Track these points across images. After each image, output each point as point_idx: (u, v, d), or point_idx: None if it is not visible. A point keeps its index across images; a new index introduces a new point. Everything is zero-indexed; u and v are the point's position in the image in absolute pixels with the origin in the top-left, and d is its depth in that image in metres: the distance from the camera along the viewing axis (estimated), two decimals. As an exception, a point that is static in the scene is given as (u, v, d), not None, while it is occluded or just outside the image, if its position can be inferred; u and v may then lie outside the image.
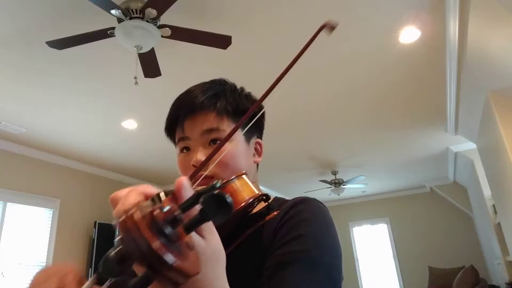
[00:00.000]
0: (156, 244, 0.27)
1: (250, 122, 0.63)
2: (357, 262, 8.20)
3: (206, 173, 0.60)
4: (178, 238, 0.30)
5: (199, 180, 0.59)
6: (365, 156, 5.68)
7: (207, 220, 0.31)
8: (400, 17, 2.63)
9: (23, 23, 2.48)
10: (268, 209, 0.67)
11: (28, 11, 2.37)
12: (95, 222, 5.11)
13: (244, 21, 2.60)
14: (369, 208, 8.48)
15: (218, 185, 0.33)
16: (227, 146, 0.65)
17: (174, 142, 0.76)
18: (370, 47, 2.95)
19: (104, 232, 5.12)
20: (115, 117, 3.94)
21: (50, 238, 4.63)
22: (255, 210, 0.69)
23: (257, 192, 0.61)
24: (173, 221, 0.30)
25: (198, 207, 0.32)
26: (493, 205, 4.80)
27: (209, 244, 0.38)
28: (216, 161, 0.61)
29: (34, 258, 4.44)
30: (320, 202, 0.65)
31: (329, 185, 6.52)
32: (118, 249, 0.29)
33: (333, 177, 6.46)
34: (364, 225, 8.46)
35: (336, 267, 0.58)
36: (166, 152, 4.88)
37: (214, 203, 0.30)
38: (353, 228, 8.52)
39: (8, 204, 4.28)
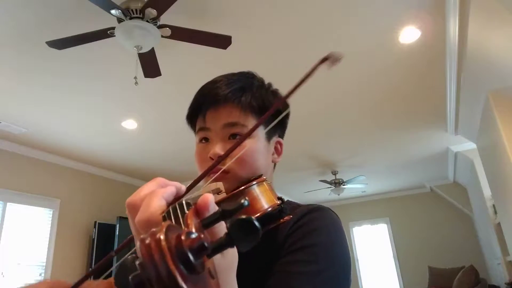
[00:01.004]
0: (181, 278, 0.25)
1: (273, 120, 0.61)
2: (357, 262, 8.20)
3: (223, 168, 0.58)
4: (203, 269, 0.29)
5: (216, 174, 0.57)
6: (365, 156, 5.68)
7: (232, 246, 0.29)
8: (400, 17, 2.63)
9: (23, 23, 2.48)
10: (280, 212, 0.65)
11: (28, 11, 2.37)
12: (95, 222, 5.11)
13: (244, 21, 2.60)
14: (369, 208, 8.48)
15: (245, 204, 0.31)
16: (247, 143, 0.63)
17: (194, 130, 0.73)
18: (370, 47, 2.95)
19: (104, 232, 5.12)
20: (115, 117, 3.94)
21: (50, 238, 4.63)
22: None
23: (276, 201, 0.59)
24: (200, 249, 0.28)
25: (220, 227, 0.30)
26: (493, 205, 4.80)
27: (225, 257, 0.37)
28: (236, 157, 0.58)
29: (34, 258, 4.44)
30: (334, 212, 0.64)
31: (329, 185, 6.51)
32: (137, 273, 0.27)
33: (333, 177, 6.45)
34: (364, 225, 8.46)
35: (343, 279, 0.57)
36: (166, 152, 4.88)
37: (242, 229, 0.28)
38: (353, 228, 8.52)
39: (8, 204, 4.28)
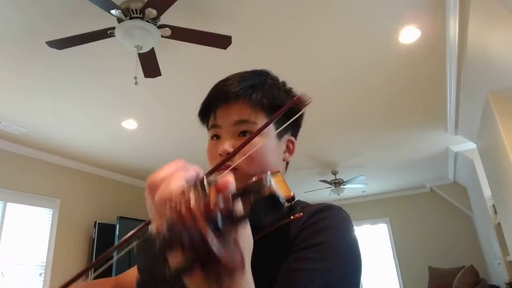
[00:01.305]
0: (210, 237, 0.27)
1: (285, 119, 0.60)
2: (357, 262, 8.19)
3: (233, 165, 0.57)
4: (229, 233, 0.30)
5: (225, 171, 0.57)
6: (365, 156, 5.68)
7: (257, 219, 0.31)
8: (400, 17, 2.63)
9: (23, 23, 2.48)
10: (290, 210, 0.65)
11: (28, 11, 2.37)
12: (95, 222, 5.11)
13: (244, 21, 2.60)
14: (369, 208, 8.48)
15: (268, 183, 0.32)
16: (256, 139, 0.62)
17: (207, 127, 0.74)
18: (370, 47, 2.95)
19: (104, 232, 5.12)
20: (115, 117, 3.94)
21: (50, 238, 4.63)
22: None
23: (290, 193, 0.58)
24: (228, 216, 0.29)
25: (240, 205, 0.31)
26: (493, 205, 4.80)
27: (245, 238, 0.37)
28: (246, 156, 0.58)
29: (34, 258, 4.44)
30: (345, 211, 0.64)
31: (329, 185, 6.51)
32: (165, 237, 0.28)
33: (333, 177, 6.45)
34: (364, 225, 8.45)
35: (353, 278, 0.56)
36: (167, 152, 4.88)
37: (267, 203, 0.30)
38: (353, 228, 8.51)
39: (8, 204, 4.28)
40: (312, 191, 7.00)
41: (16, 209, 4.36)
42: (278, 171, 0.60)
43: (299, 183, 6.91)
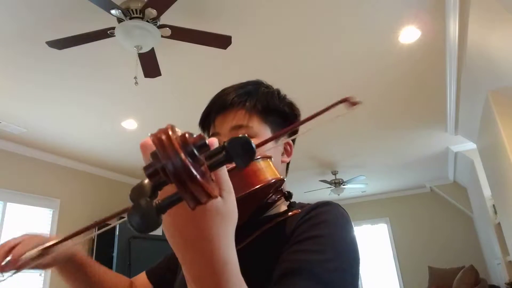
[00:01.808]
0: (185, 158, 0.29)
1: (281, 126, 0.65)
2: (357, 262, 8.19)
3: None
4: (203, 164, 0.32)
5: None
6: (365, 156, 5.68)
7: (231, 160, 0.33)
8: (400, 17, 2.63)
9: (23, 22, 2.48)
10: (289, 207, 0.68)
11: (28, 11, 2.37)
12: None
13: (244, 21, 2.60)
14: (369, 208, 8.48)
15: (243, 137, 0.34)
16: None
17: (208, 136, 0.78)
18: (370, 46, 2.95)
19: (104, 232, 5.12)
20: (115, 117, 3.94)
21: (50, 238, 4.62)
22: (275, 210, 0.70)
23: (279, 175, 0.60)
24: (202, 147, 0.32)
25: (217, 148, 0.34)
26: (493, 205, 4.80)
27: (225, 203, 0.39)
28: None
29: (34, 258, 4.44)
30: (343, 208, 0.65)
31: (329, 185, 6.51)
32: (149, 163, 0.32)
33: (333, 177, 6.45)
34: (364, 225, 8.45)
35: (350, 272, 0.56)
36: (166, 152, 4.88)
37: (239, 145, 0.32)
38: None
39: (8, 204, 4.28)
40: (312, 191, 7.00)
41: (16, 209, 4.36)
42: (269, 157, 0.62)
43: (299, 183, 6.91)
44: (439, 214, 7.67)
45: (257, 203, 0.64)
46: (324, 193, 7.19)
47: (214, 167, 0.34)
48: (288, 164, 0.81)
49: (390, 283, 7.80)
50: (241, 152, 0.32)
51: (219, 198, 0.38)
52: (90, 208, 5.26)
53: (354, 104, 0.47)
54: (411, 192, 8.09)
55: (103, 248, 4.96)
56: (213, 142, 0.39)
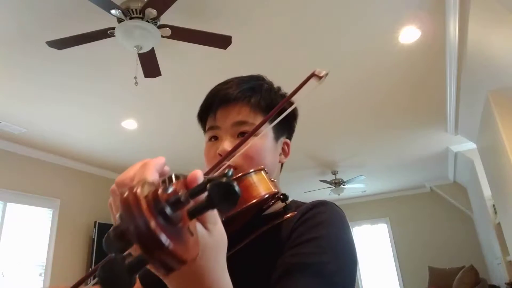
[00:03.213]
0: (153, 223, 0.26)
1: (280, 119, 0.64)
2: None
3: (229, 163, 0.60)
4: (179, 221, 0.29)
5: (221, 170, 0.58)
6: (365, 156, 5.68)
7: (212, 207, 0.30)
8: (400, 17, 2.63)
9: (24, 22, 2.48)
10: (285, 209, 0.67)
11: (29, 10, 2.37)
12: (95, 222, 5.11)
13: (244, 20, 2.60)
14: (369, 208, 8.48)
15: (229, 173, 0.32)
16: (255, 140, 0.65)
17: (204, 129, 0.76)
18: (370, 47, 2.95)
19: (104, 232, 5.02)
20: (115, 117, 3.94)
21: (50, 238, 4.63)
22: (272, 210, 0.69)
23: (273, 189, 0.59)
24: (176, 203, 0.29)
25: (202, 197, 0.30)
26: (493, 205, 4.80)
27: (212, 235, 0.38)
28: (240, 152, 0.60)
29: (34, 258, 4.44)
30: (338, 207, 0.65)
31: (329, 185, 6.51)
32: (117, 224, 0.29)
33: (333, 177, 6.45)
34: (364, 225, 8.45)
35: (348, 273, 0.56)
36: (167, 152, 4.87)
37: (221, 190, 0.29)
38: (353, 228, 8.51)
39: (8, 204, 4.28)
40: (312, 191, 7.00)
41: (16, 209, 4.36)
42: (262, 169, 0.61)
43: (299, 183, 6.91)
44: (439, 214, 7.67)
45: (251, 214, 0.64)
46: (324, 193, 7.18)
47: (194, 215, 0.31)
48: (282, 164, 0.80)
49: (390, 283, 7.80)
50: (223, 199, 0.29)
51: (205, 232, 0.37)
52: (90, 208, 5.26)
53: (321, 77, 0.46)
54: (411, 192, 8.09)
55: (103, 248, 4.96)
56: (196, 176, 0.36)
